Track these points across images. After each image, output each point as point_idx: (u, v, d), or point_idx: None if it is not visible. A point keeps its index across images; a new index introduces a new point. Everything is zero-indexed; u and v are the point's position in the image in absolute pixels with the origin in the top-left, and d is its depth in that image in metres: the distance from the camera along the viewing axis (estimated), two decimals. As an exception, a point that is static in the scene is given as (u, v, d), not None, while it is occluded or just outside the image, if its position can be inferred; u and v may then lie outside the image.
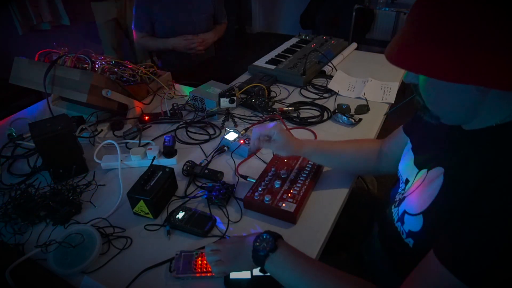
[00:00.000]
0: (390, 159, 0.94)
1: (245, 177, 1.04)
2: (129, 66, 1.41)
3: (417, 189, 0.72)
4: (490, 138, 0.61)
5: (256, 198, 0.93)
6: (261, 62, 1.76)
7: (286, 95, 1.53)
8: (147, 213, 0.92)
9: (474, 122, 0.63)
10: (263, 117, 1.33)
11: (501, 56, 0.51)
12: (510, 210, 0.51)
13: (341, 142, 1.02)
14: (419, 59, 0.56)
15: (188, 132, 1.30)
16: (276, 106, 1.42)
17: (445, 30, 0.53)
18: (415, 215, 0.69)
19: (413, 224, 0.70)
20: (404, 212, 0.74)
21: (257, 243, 0.70)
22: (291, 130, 1.23)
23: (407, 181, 0.80)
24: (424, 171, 0.73)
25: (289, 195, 0.93)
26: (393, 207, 0.81)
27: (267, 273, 0.70)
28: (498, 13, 0.50)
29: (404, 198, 0.77)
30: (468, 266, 0.53)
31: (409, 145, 0.84)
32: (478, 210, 0.55)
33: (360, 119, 1.31)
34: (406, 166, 0.81)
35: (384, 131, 1.39)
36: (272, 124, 0.96)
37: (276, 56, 1.82)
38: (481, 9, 0.51)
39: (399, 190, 0.83)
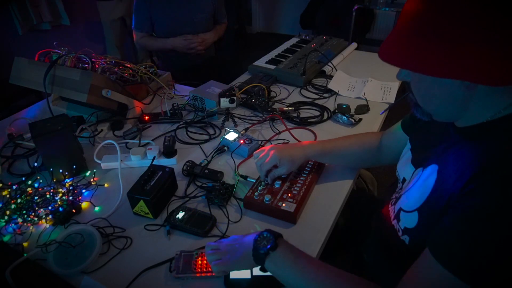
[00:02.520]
0: (391, 151, 0.97)
1: (245, 177, 1.04)
2: (129, 66, 1.41)
3: (413, 186, 0.73)
4: (481, 134, 0.62)
5: (256, 198, 0.93)
6: (261, 62, 1.76)
7: (286, 95, 1.53)
8: (147, 213, 0.92)
9: (465, 119, 0.64)
10: (263, 117, 1.33)
11: (484, 52, 0.52)
12: (500, 204, 0.52)
13: (343, 140, 1.03)
14: (405, 54, 0.58)
15: (188, 132, 1.30)
16: (276, 106, 1.42)
17: (430, 25, 0.55)
18: (410, 211, 0.70)
19: (409, 220, 0.70)
20: (400, 209, 0.74)
21: (258, 241, 0.70)
22: (291, 130, 1.23)
23: (404, 180, 0.80)
24: (420, 169, 0.74)
25: (289, 195, 0.93)
26: (390, 205, 0.81)
27: (267, 272, 0.70)
28: (482, 8, 0.51)
29: (400, 196, 0.77)
30: (462, 261, 0.54)
31: (409, 146, 0.84)
32: (470, 204, 0.55)
33: (360, 119, 1.31)
34: (404, 166, 0.82)
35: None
36: (269, 153, 0.96)
37: (276, 56, 1.82)
38: (466, 4, 0.52)
39: (397, 190, 0.83)
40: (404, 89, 0.70)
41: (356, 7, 3.49)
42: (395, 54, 0.60)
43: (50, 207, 0.93)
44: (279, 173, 0.96)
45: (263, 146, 1.20)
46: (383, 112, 1.30)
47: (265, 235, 0.71)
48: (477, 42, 0.52)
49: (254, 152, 1.04)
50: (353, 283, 0.64)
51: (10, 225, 0.91)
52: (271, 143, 1.20)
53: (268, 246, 0.68)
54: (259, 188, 0.96)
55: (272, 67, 1.68)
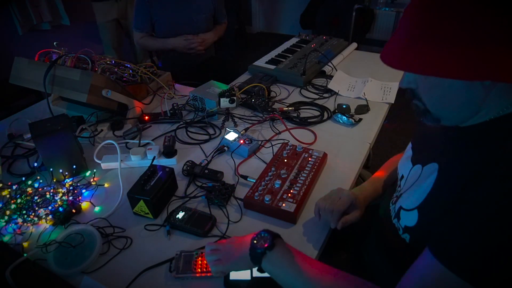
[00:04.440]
0: None
1: (245, 177, 1.04)
2: (129, 66, 1.41)
3: (413, 185, 0.73)
4: (484, 132, 0.62)
5: (256, 198, 0.93)
6: (261, 62, 1.76)
7: (286, 95, 1.53)
8: (147, 213, 0.92)
9: (471, 119, 0.63)
10: (263, 117, 1.33)
11: (509, 49, 0.51)
12: (502, 203, 0.51)
13: (384, 172, 1.00)
14: (427, 61, 0.55)
15: (188, 132, 1.30)
16: (276, 106, 1.42)
17: (451, 28, 0.53)
18: (410, 210, 0.70)
19: (409, 219, 0.70)
20: (400, 208, 0.74)
21: (255, 241, 0.70)
22: (291, 130, 1.23)
23: (402, 177, 0.80)
24: (418, 166, 0.74)
25: (289, 195, 0.93)
26: (390, 204, 0.81)
27: (264, 272, 0.70)
28: (503, 7, 0.50)
29: (400, 195, 0.77)
30: (464, 260, 0.54)
31: (410, 144, 0.85)
32: (471, 203, 0.55)
33: (360, 119, 1.31)
34: (403, 163, 0.82)
35: (384, 132, 1.39)
36: (345, 198, 0.88)
37: (276, 56, 1.82)
38: (485, 4, 0.51)
39: (397, 188, 0.83)
40: (404, 88, 0.69)
41: (356, 7, 3.49)
42: (414, 62, 0.57)
43: (50, 207, 0.93)
44: (352, 218, 0.86)
45: (263, 145, 1.20)
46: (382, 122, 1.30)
47: (262, 234, 0.71)
48: (499, 40, 0.51)
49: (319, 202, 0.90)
50: (352, 284, 0.64)
51: (10, 225, 0.91)
52: (271, 143, 1.20)
53: (265, 246, 0.68)
54: (259, 188, 0.96)
55: (272, 67, 1.68)
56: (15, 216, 0.92)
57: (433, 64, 0.55)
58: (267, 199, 0.91)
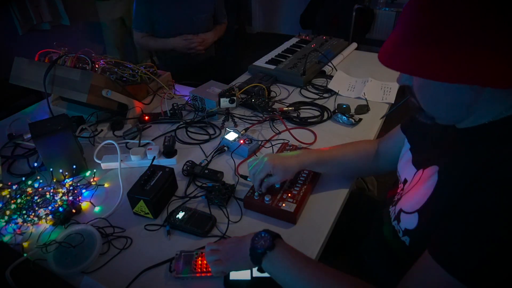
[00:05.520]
0: (388, 158, 0.95)
1: (245, 177, 1.04)
2: (129, 66, 1.41)
3: (413, 187, 0.73)
4: (483, 135, 0.62)
5: (256, 198, 0.93)
6: (261, 62, 1.76)
7: (286, 95, 1.53)
8: (147, 213, 0.92)
9: (467, 120, 0.64)
10: (263, 117, 1.33)
11: (496, 55, 0.51)
12: (501, 206, 0.51)
13: (339, 148, 1.01)
14: (415, 62, 0.56)
15: (188, 132, 1.30)
16: (276, 106, 1.42)
17: (440, 31, 0.54)
18: (411, 213, 0.70)
19: (409, 222, 0.70)
20: (400, 210, 0.74)
21: (255, 241, 0.70)
22: (291, 130, 1.23)
23: (405, 181, 0.80)
24: (421, 170, 0.73)
25: (289, 195, 0.93)
26: (390, 206, 0.81)
27: (265, 272, 0.70)
28: (491, 12, 0.50)
29: (400, 197, 0.77)
30: (463, 264, 0.54)
31: (407, 145, 0.84)
32: (470, 206, 0.55)
33: (360, 119, 1.31)
34: (405, 167, 0.82)
35: (384, 131, 1.39)
36: (262, 162, 0.92)
37: (276, 56, 1.82)
38: (474, 9, 0.51)
39: (398, 191, 0.83)
40: (404, 89, 0.70)
41: (356, 7, 3.49)
42: (402, 62, 0.58)
43: (50, 207, 0.93)
44: (273, 181, 0.92)
45: (263, 145, 1.20)
46: (383, 116, 1.30)
47: (263, 235, 0.71)
48: (485, 45, 0.51)
49: (248, 161, 1.02)
50: (351, 285, 0.64)
51: (10, 225, 0.91)
52: (271, 143, 1.20)
53: (266, 246, 0.68)
54: (259, 188, 0.96)
55: (272, 67, 1.68)
56: (15, 216, 0.92)
57: (420, 65, 0.56)
58: (267, 199, 0.91)
